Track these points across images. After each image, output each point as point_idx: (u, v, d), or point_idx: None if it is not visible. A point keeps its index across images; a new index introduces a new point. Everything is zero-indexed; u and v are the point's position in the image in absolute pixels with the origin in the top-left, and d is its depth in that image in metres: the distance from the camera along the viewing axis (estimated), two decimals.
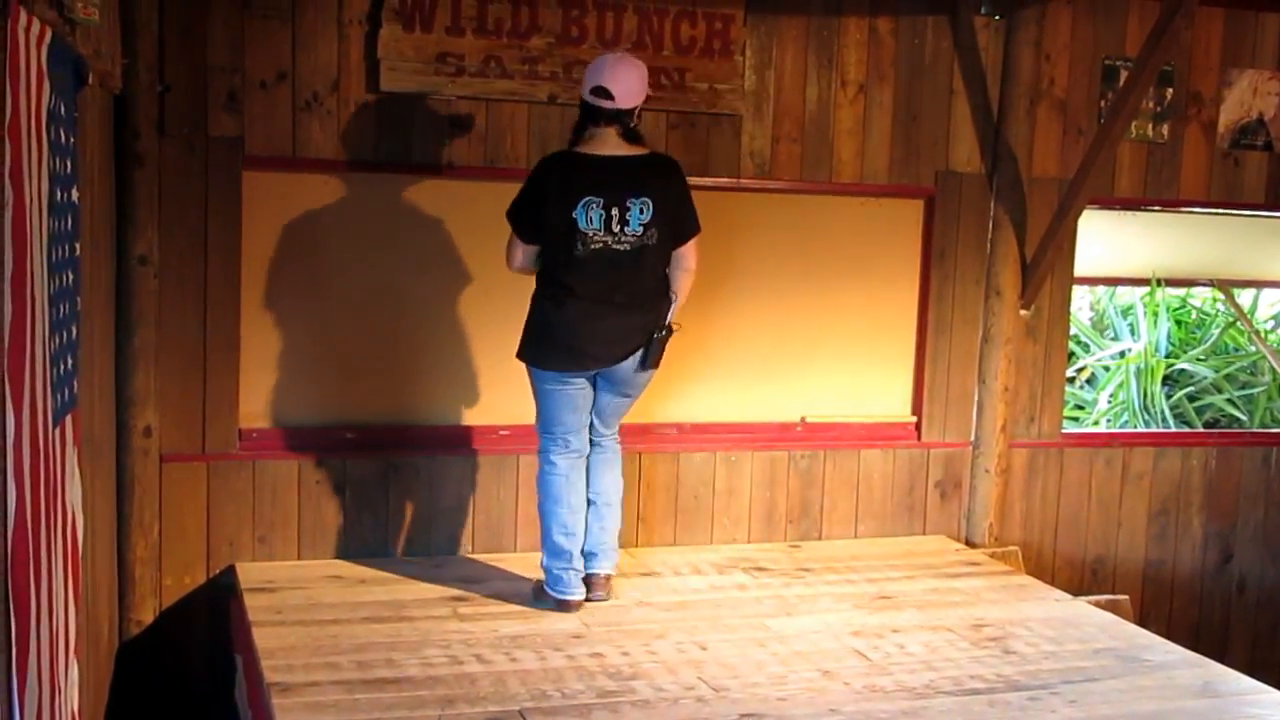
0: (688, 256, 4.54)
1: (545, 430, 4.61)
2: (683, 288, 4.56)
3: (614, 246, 4.36)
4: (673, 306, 4.53)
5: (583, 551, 4.62)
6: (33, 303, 2.50)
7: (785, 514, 5.62)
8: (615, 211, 4.34)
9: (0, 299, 2.31)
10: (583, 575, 4.61)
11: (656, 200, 4.38)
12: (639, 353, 4.46)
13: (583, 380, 4.52)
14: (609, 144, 4.39)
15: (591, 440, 4.67)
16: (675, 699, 3.86)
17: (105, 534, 4.44)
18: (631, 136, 4.42)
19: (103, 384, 4.39)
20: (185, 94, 4.73)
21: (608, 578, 4.69)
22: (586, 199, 4.32)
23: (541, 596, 4.62)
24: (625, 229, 4.36)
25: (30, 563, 2.47)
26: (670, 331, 4.50)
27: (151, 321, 4.73)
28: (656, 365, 4.53)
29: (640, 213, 4.36)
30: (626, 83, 4.36)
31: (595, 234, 4.34)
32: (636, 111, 4.44)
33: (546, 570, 4.60)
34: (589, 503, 4.64)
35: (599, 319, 4.40)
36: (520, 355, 4.54)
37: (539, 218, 4.38)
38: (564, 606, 4.57)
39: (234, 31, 4.76)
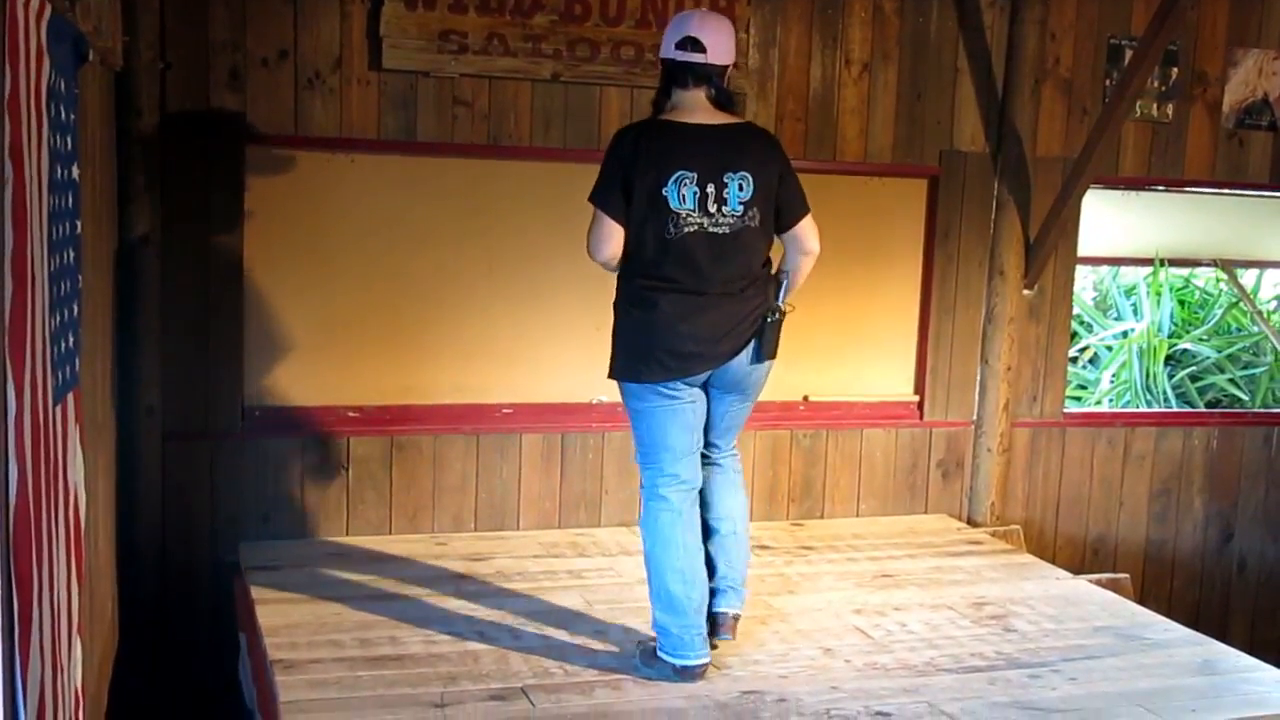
0: (805, 238, 3.89)
1: (649, 461, 3.89)
2: (801, 271, 3.93)
3: (710, 229, 3.74)
4: (784, 288, 3.90)
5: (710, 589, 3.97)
6: (32, 281, 2.49)
7: (787, 492, 5.62)
8: (711, 189, 3.73)
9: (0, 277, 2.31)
10: (706, 613, 3.91)
11: (757, 176, 3.78)
12: (751, 345, 3.83)
13: (694, 390, 3.87)
14: (699, 110, 3.78)
15: (707, 459, 3.99)
16: None
17: (108, 513, 4.45)
18: (724, 101, 3.82)
19: (105, 363, 4.39)
20: (187, 71, 4.72)
21: (736, 618, 4.00)
22: (678, 173, 3.70)
23: (652, 662, 3.86)
24: (723, 208, 3.75)
25: (32, 542, 2.48)
26: (783, 315, 3.87)
27: (154, 300, 4.73)
28: (774, 355, 3.88)
29: (740, 190, 3.75)
30: (719, 35, 3.77)
31: (689, 214, 3.71)
32: (727, 75, 3.85)
33: (661, 631, 3.86)
34: (712, 531, 3.98)
35: (701, 311, 3.76)
36: (614, 374, 3.88)
37: (629, 194, 3.73)
38: (686, 674, 3.80)
39: (235, 9, 4.75)
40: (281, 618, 4.22)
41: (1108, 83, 5.78)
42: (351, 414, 5.09)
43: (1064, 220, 5.62)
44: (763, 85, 5.35)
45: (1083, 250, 5.99)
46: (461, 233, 5.15)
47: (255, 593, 4.45)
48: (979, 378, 5.82)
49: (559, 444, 5.32)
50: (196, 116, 4.74)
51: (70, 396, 3.04)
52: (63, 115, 2.91)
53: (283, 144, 4.87)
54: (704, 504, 4.01)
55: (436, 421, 5.17)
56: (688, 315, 3.77)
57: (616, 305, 3.92)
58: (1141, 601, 5.27)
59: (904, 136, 5.58)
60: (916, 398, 5.81)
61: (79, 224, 3.21)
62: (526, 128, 5.11)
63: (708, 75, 3.79)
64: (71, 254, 3.08)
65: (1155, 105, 5.89)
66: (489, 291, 5.19)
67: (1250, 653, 4.36)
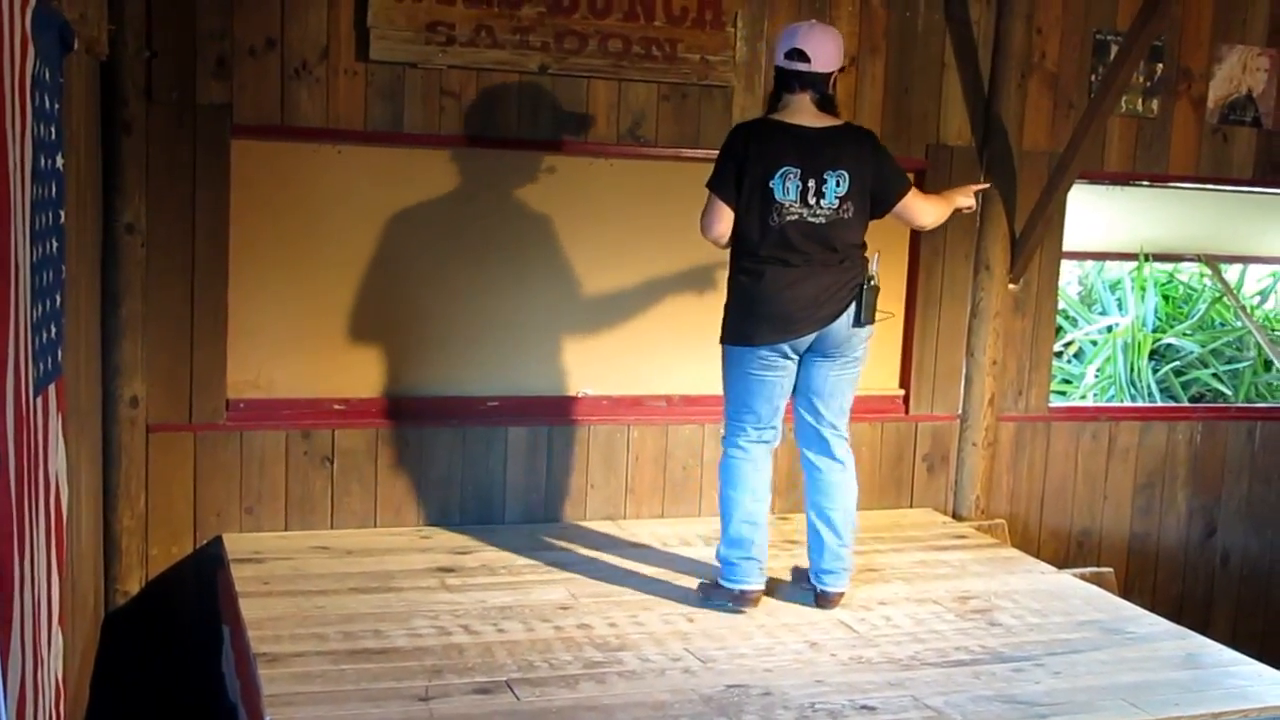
0: (909, 214, 4.47)
1: (735, 418, 4.44)
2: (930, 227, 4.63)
3: (808, 219, 4.24)
4: (875, 261, 4.37)
5: (818, 569, 4.46)
6: (15, 270, 2.48)
7: (773, 486, 5.58)
8: (812, 184, 4.23)
9: None
10: (816, 591, 4.46)
11: (853, 173, 4.28)
12: (850, 310, 4.30)
13: (789, 361, 4.35)
14: (805, 113, 4.28)
15: (824, 445, 4.49)
16: (662, 670, 3.88)
17: (91, 504, 4.43)
18: (826, 105, 4.32)
19: (88, 353, 4.37)
20: (173, 60, 4.69)
21: (840, 595, 4.48)
22: (784, 169, 4.21)
23: (712, 594, 4.44)
24: (821, 201, 4.24)
25: (13, 532, 2.46)
26: (877, 287, 4.35)
27: (138, 291, 4.71)
28: (872, 320, 4.35)
29: (836, 185, 4.25)
30: (823, 46, 4.27)
31: (791, 205, 4.22)
32: (832, 80, 4.34)
33: (723, 561, 4.44)
34: (826, 519, 4.46)
35: (803, 280, 4.25)
36: (724, 338, 4.38)
37: (741, 183, 4.24)
38: (742, 599, 4.39)
39: None
40: (265, 610, 4.20)
41: (1093, 77, 5.79)
42: (337, 406, 5.08)
43: (1049, 215, 5.63)
44: (750, 78, 5.34)
45: (1068, 245, 6.00)
46: (447, 225, 5.14)
47: (239, 585, 4.43)
48: (964, 372, 5.83)
49: (545, 437, 5.31)
50: (182, 106, 4.72)
51: (52, 387, 3.02)
52: (47, 104, 2.90)
53: (269, 134, 4.85)
54: (820, 493, 4.51)
55: (422, 414, 5.16)
56: (792, 284, 4.26)
57: (729, 281, 4.42)
58: (1125, 595, 5.29)
59: (890, 130, 5.57)
60: (902, 392, 5.81)
61: (63, 214, 3.20)
62: (514, 119, 5.09)
63: (812, 82, 4.29)
64: (55, 244, 3.06)
65: (1140, 100, 5.90)
66: (476, 284, 5.18)
67: (1232, 646, 4.38)
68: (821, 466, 4.51)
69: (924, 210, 4.52)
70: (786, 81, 4.31)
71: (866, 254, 4.39)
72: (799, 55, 4.26)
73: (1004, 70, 5.62)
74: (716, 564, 4.52)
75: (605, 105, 5.19)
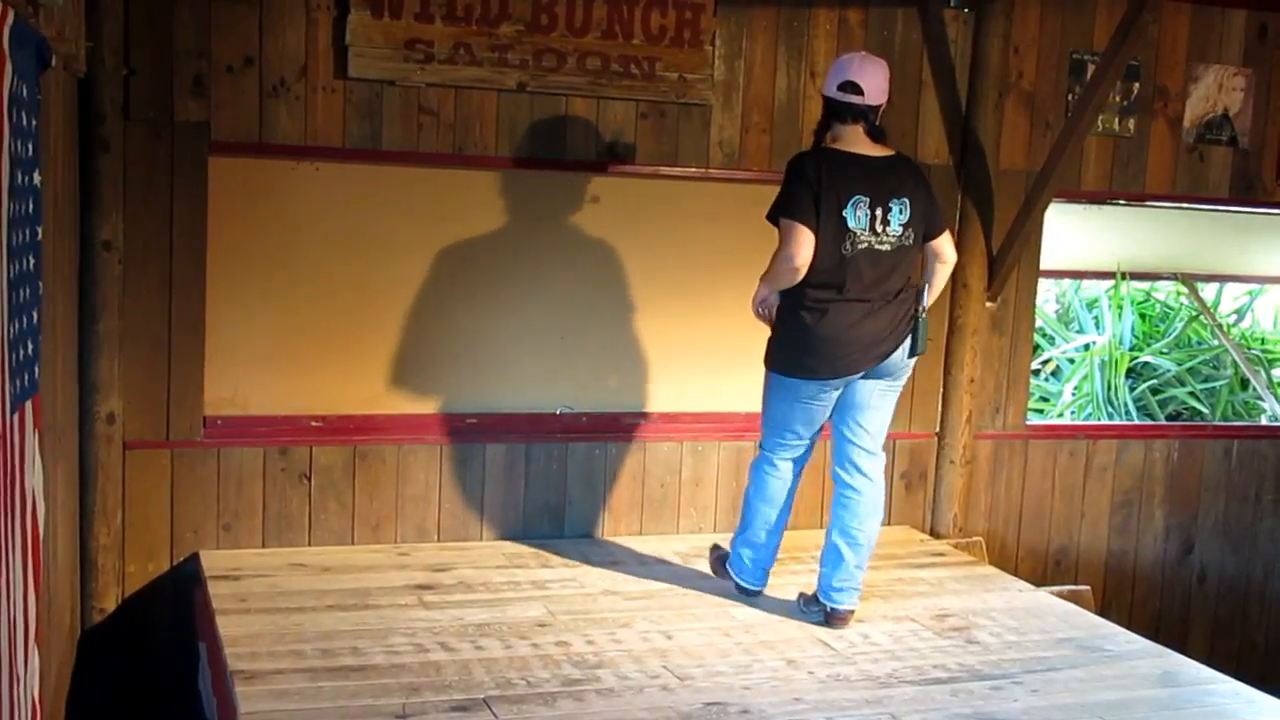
0: (942, 250, 4.52)
1: (772, 433, 4.58)
2: (939, 278, 4.56)
3: (875, 247, 4.32)
4: (925, 293, 4.47)
5: (830, 586, 4.49)
6: None
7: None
8: (879, 211, 4.31)
9: None
10: (827, 610, 4.48)
11: (914, 201, 4.38)
12: (906, 342, 4.41)
13: (838, 391, 4.47)
14: (859, 142, 4.37)
15: (859, 461, 4.55)
16: (640, 688, 3.87)
17: (68, 521, 4.41)
18: (877, 135, 4.41)
19: (65, 370, 4.35)
20: (151, 78, 4.69)
21: (851, 613, 4.51)
22: (855, 197, 4.28)
23: (721, 573, 4.78)
24: (886, 229, 4.33)
25: None
26: (927, 319, 4.46)
27: (116, 307, 4.69)
28: (925, 350, 4.50)
29: (900, 213, 4.34)
30: (875, 79, 4.36)
31: (861, 233, 4.30)
32: (880, 111, 4.42)
33: (736, 554, 4.70)
34: (852, 540, 4.50)
35: (866, 319, 4.34)
36: (775, 367, 4.47)
37: (817, 208, 4.26)
38: (749, 594, 4.69)
39: (200, 15, 4.72)
40: (242, 628, 4.19)
41: (1070, 97, 5.83)
42: (314, 423, 5.06)
43: (1027, 233, 5.66)
44: (728, 97, 5.36)
45: (1045, 263, 6.03)
46: (426, 242, 5.13)
47: (216, 602, 4.41)
48: (942, 389, 5.85)
49: (523, 454, 5.31)
50: (160, 123, 4.71)
51: (29, 403, 3.01)
52: (24, 121, 2.89)
53: (247, 152, 4.85)
54: (851, 513, 4.54)
55: (400, 431, 5.15)
56: (856, 323, 4.34)
57: (784, 308, 4.42)
58: (1102, 612, 5.31)
59: None
60: None
61: (40, 230, 3.19)
62: (492, 137, 5.10)
63: (864, 113, 4.37)
64: (32, 260, 3.06)
65: (1117, 119, 5.94)
66: (454, 301, 5.18)
67: (1209, 664, 4.40)
68: (857, 486, 4.55)
69: (951, 252, 4.57)
70: (839, 113, 4.38)
71: (924, 282, 4.51)
72: (852, 88, 4.34)
73: (981, 89, 5.66)
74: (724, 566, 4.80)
75: (583, 122, 5.20)
